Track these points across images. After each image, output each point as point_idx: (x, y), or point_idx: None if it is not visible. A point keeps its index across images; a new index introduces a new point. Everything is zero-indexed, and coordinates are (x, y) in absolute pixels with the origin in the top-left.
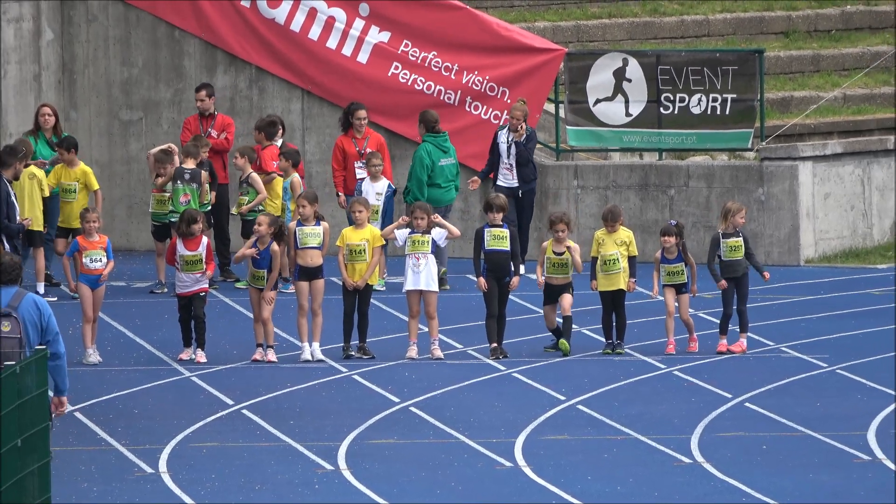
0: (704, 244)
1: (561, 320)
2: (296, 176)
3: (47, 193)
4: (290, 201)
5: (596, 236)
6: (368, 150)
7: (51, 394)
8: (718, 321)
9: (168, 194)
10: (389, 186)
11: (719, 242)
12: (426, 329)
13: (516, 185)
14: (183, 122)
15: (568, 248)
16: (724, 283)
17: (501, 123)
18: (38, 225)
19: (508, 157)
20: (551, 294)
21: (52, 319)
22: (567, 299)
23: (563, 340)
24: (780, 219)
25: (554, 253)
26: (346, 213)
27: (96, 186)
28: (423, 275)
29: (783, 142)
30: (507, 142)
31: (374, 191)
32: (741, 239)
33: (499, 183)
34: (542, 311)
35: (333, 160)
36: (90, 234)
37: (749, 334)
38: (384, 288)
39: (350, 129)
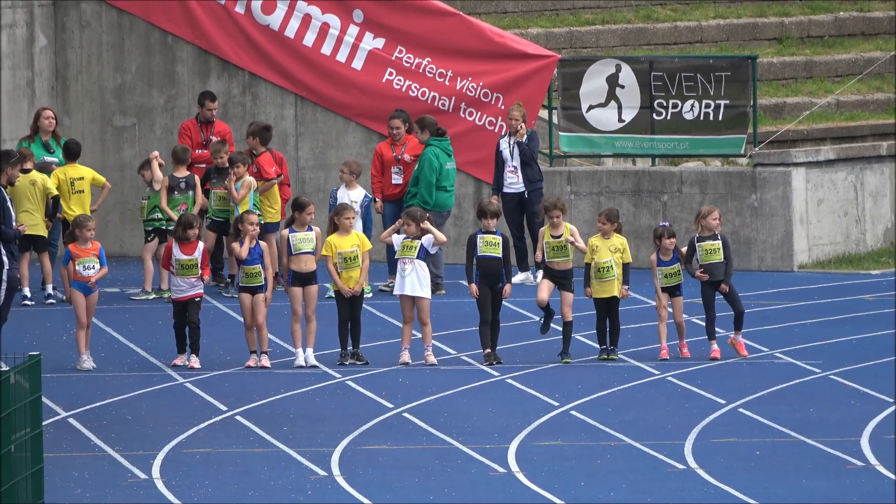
0: None
1: (559, 316)
2: (248, 177)
3: (55, 192)
4: (242, 202)
5: (590, 242)
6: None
7: None
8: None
9: (145, 200)
10: (366, 196)
11: (695, 247)
12: (420, 335)
13: (522, 188)
14: (179, 128)
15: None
16: (701, 274)
17: (501, 133)
18: (40, 230)
19: (512, 159)
20: (552, 277)
21: None
22: (568, 299)
23: (565, 359)
24: (773, 225)
25: (552, 237)
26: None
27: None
28: (408, 279)
29: (776, 148)
30: (510, 146)
31: (350, 199)
32: (719, 242)
33: (504, 190)
34: (535, 318)
35: (372, 166)
36: (84, 241)
37: (744, 341)
38: (370, 295)
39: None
